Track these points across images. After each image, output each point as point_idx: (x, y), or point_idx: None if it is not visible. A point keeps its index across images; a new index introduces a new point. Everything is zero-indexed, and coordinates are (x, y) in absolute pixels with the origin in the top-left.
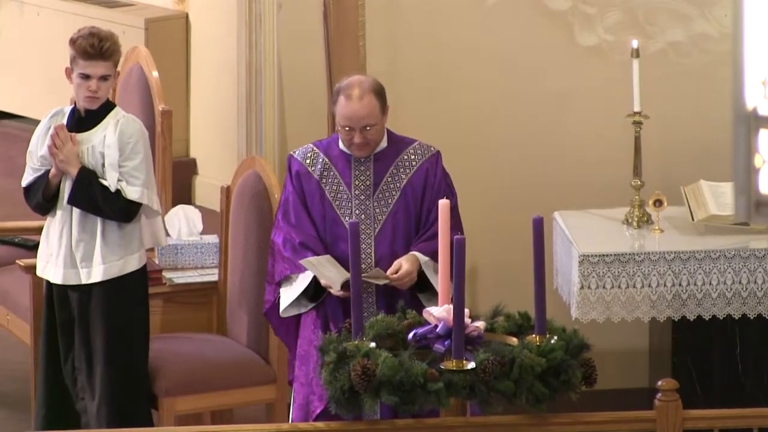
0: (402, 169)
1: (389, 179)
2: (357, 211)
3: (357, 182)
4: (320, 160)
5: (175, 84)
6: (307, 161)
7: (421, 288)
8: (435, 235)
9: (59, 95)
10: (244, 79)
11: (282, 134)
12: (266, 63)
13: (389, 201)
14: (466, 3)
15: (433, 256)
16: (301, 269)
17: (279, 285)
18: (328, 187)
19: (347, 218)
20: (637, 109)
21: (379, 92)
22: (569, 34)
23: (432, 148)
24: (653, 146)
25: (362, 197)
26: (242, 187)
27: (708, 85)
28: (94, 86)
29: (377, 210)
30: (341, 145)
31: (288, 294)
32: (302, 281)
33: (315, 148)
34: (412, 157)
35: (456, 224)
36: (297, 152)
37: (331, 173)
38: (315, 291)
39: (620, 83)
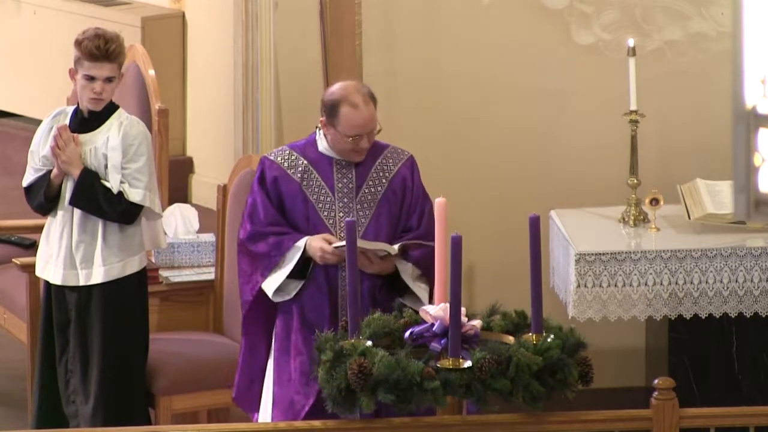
0: (381, 173)
1: (370, 182)
2: (341, 214)
3: (340, 185)
4: (300, 162)
5: (172, 83)
6: (286, 164)
7: (401, 291)
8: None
9: (56, 94)
10: (241, 78)
11: (278, 133)
12: (263, 62)
13: (372, 204)
14: (462, 2)
15: (416, 262)
16: (286, 250)
17: (263, 276)
18: (309, 190)
19: (330, 221)
20: (633, 107)
21: (372, 94)
22: (566, 32)
23: (405, 152)
24: (650, 145)
25: (345, 200)
26: (239, 185)
27: (705, 84)
28: (99, 88)
29: (361, 213)
30: (321, 147)
31: (278, 276)
32: (291, 258)
33: (292, 151)
34: (390, 161)
35: (432, 225)
36: (272, 155)
37: (313, 176)
38: (302, 269)
39: (617, 82)
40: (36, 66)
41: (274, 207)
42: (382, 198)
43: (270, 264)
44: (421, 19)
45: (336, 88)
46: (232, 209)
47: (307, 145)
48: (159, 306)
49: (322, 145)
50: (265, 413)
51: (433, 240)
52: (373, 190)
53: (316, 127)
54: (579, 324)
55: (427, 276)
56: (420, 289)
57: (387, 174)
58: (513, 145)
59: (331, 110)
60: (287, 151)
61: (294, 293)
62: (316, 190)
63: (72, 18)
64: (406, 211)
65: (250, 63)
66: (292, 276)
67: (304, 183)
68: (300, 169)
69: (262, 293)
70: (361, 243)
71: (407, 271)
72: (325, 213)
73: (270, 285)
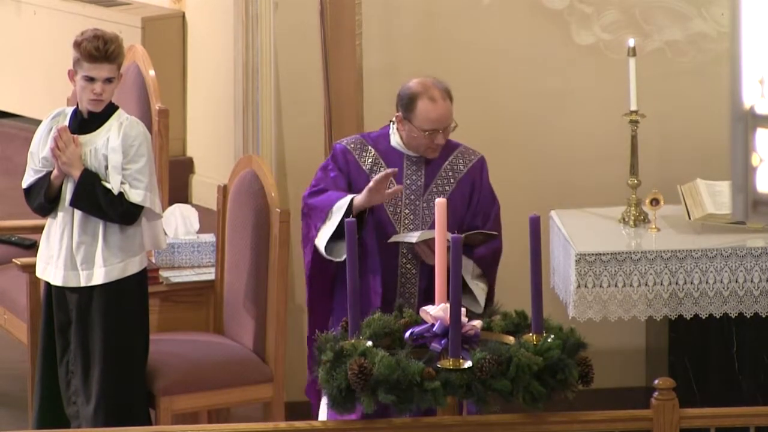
0: (451, 172)
1: (439, 182)
2: (406, 211)
3: (408, 181)
4: (371, 153)
5: (172, 83)
6: (357, 152)
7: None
8: (482, 242)
9: (56, 94)
10: (241, 78)
11: (279, 133)
12: (263, 62)
13: None
14: (462, 2)
15: (478, 260)
16: (336, 200)
17: (317, 230)
18: None
19: (395, 216)
20: (633, 107)
21: (449, 91)
22: (566, 32)
23: (476, 153)
24: (650, 145)
25: (413, 197)
26: (239, 185)
27: (705, 84)
28: (99, 89)
29: (426, 211)
30: (393, 142)
31: (327, 228)
32: (339, 209)
33: (365, 141)
34: (461, 161)
35: (497, 228)
36: (344, 141)
37: (381, 168)
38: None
39: (617, 82)
40: (36, 66)
41: (344, 179)
42: (450, 198)
43: (322, 215)
44: (421, 19)
45: (414, 82)
46: (233, 209)
47: (380, 137)
48: (159, 306)
49: (395, 139)
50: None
51: (496, 241)
52: (441, 189)
53: (390, 122)
54: (579, 324)
55: (487, 276)
56: (478, 288)
57: (456, 174)
58: (513, 145)
59: (408, 104)
60: (360, 140)
61: (344, 256)
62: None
63: (72, 18)
64: (471, 211)
65: (250, 63)
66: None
67: (372, 175)
68: (370, 160)
69: (315, 261)
70: (422, 234)
71: (467, 268)
72: (391, 207)
73: (320, 240)
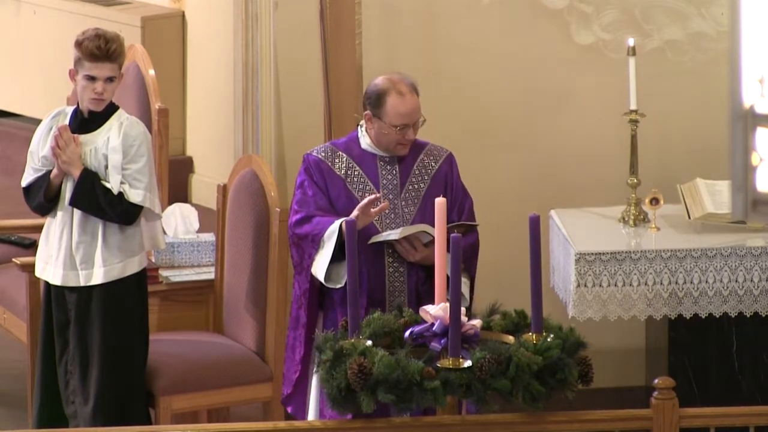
0: (423, 169)
1: (413, 179)
2: (386, 211)
3: (385, 182)
4: (344, 159)
5: (172, 82)
6: (329, 161)
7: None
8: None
9: (56, 93)
10: (241, 78)
11: (279, 132)
12: (263, 61)
13: (416, 200)
14: (462, 2)
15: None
16: (326, 226)
17: (311, 258)
18: (354, 186)
19: (376, 218)
20: (633, 107)
21: (416, 86)
22: (566, 32)
23: (445, 149)
24: (650, 144)
25: (390, 196)
26: (239, 185)
27: (705, 84)
28: (100, 88)
29: (406, 210)
30: (364, 144)
31: (322, 256)
32: (330, 235)
33: (335, 147)
34: (431, 158)
35: (473, 221)
36: (315, 151)
37: (356, 172)
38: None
39: (617, 82)
40: (36, 66)
41: (323, 195)
42: (426, 194)
43: (314, 243)
44: (421, 18)
45: (380, 79)
46: (232, 209)
47: (350, 142)
48: (159, 306)
49: (365, 141)
50: (313, 408)
51: (473, 234)
52: (416, 186)
53: (358, 125)
54: (579, 324)
55: (468, 270)
56: (461, 283)
57: (429, 171)
58: (513, 145)
59: (377, 101)
60: (330, 147)
61: (344, 280)
62: (361, 186)
63: (72, 18)
64: (448, 206)
65: (250, 63)
66: (337, 259)
67: (348, 179)
68: (343, 165)
69: (314, 288)
70: (404, 230)
71: (449, 263)
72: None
73: (318, 268)
